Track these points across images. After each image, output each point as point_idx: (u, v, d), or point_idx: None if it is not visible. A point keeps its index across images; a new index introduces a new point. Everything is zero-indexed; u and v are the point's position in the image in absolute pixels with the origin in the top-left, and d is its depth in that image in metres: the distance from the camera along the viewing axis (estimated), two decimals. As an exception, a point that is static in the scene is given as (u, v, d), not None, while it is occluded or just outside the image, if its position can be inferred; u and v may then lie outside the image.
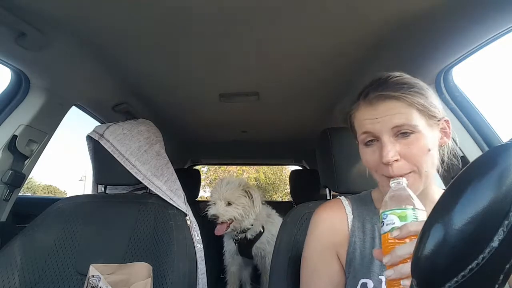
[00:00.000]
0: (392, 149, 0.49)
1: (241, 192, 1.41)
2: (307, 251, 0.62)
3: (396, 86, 0.51)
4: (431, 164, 0.51)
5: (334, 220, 0.61)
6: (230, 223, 1.39)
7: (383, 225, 0.42)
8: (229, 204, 1.39)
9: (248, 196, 1.42)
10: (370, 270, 0.54)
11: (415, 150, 0.49)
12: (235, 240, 1.50)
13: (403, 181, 0.44)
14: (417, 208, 0.41)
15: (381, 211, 0.43)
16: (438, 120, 0.52)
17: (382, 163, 0.50)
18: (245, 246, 1.50)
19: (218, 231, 1.37)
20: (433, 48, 0.77)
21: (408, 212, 0.40)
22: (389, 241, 0.40)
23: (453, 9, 0.64)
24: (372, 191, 0.66)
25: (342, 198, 0.66)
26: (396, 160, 0.49)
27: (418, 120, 0.49)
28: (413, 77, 0.55)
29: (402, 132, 0.49)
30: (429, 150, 0.50)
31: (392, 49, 0.83)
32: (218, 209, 1.36)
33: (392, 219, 0.41)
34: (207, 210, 1.41)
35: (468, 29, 0.67)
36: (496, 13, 0.61)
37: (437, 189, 0.57)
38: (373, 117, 0.51)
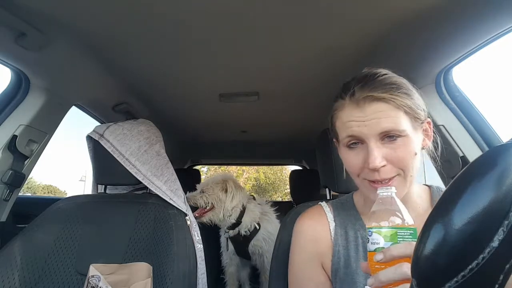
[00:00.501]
0: (379, 155, 0.47)
1: (216, 184, 1.52)
2: (292, 262, 0.60)
3: (384, 86, 0.49)
4: (416, 168, 0.49)
5: (316, 229, 0.60)
6: (208, 210, 1.49)
7: (368, 241, 0.40)
8: (202, 192, 1.52)
9: (224, 189, 1.51)
10: (355, 280, 0.53)
11: (401, 154, 0.47)
12: (228, 237, 1.53)
13: (392, 190, 0.42)
14: (405, 225, 0.38)
15: (367, 225, 0.41)
16: (422, 122, 0.51)
17: (368, 169, 0.48)
18: (241, 243, 1.51)
19: (196, 213, 1.48)
20: (433, 48, 0.77)
21: (394, 231, 0.38)
22: (374, 261, 0.38)
23: (453, 9, 0.64)
24: (353, 194, 0.64)
25: (323, 204, 0.64)
26: (383, 166, 0.47)
27: (405, 124, 0.48)
28: (400, 76, 0.52)
29: (389, 136, 0.48)
30: (415, 154, 0.48)
31: (392, 49, 0.83)
32: (191, 194, 1.53)
33: (377, 239, 0.38)
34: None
35: (468, 29, 0.67)
36: (496, 13, 0.61)
37: (417, 188, 0.56)
38: (360, 120, 0.48)
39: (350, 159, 0.52)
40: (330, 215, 0.61)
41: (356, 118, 0.49)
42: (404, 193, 0.50)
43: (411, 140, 0.48)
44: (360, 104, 0.49)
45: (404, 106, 0.48)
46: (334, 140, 0.60)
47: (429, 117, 0.53)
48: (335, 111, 0.55)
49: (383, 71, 0.52)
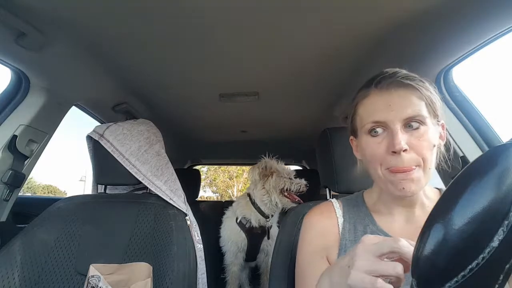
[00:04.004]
0: (403, 138, 0.48)
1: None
2: (299, 256, 0.62)
3: (408, 76, 0.51)
4: (433, 162, 0.50)
5: (324, 224, 0.61)
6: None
7: None
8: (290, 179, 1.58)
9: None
10: None
11: (423, 142, 0.48)
12: (250, 226, 1.54)
13: None
14: None
15: None
16: (438, 121, 0.52)
17: (392, 152, 0.48)
18: (258, 237, 1.54)
19: (296, 198, 1.53)
20: (433, 48, 0.77)
21: None
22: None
23: (453, 9, 0.64)
24: (364, 192, 0.65)
25: (333, 200, 0.66)
26: (406, 150, 0.48)
27: (427, 114, 0.49)
28: None
29: (412, 124, 0.49)
30: (434, 145, 0.49)
31: (392, 49, 0.83)
32: (278, 180, 1.57)
33: None
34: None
35: (468, 29, 0.67)
36: (496, 13, 0.61)
37: (428, 189, 0.56)
38: (387, 104, 0.50)
39: (373, 146, 0.52)
40: (339, 211, 0.62)
41: (382, 103, 0.51)
42: (423, 187, 0.51)
43: (432, 131, 0.50)
44: (387, 89, 0.51)
45: (427, 98, 0.50)
46: (350, 138, 0.61)
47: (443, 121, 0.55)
48: (358, 99, 0.56)
49: (403, 70, 0.54)
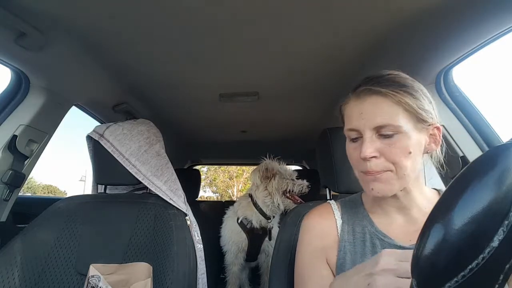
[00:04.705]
0: (371, 146, 0.49)
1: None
2: (298, 257, 0.62)
3: (387, 82, 0.51)
4: (411, 168, 0.49)
5: (323, 226, 0.61)
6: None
7: None
8: (292, 180, 1.59)
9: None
10: None
11: (394, 150, 0.49)
12: (251, 227, 1.53)
13: None
14: None
15: None
16: (429, 125, 0.51)
17: (361, 159, 0.50)
18: (259, 238, 1.54)
19: (298, 199, 1.54)
20: (433, 48, 0.77)
21: None
22: None
23: (453, 9, 0.64)
24: (362, 194, 0.65)
25: (332, 202, 0.66)
26: (375, 157, 0.49)
27: (402, 120, 0.48)
28: (411, 78, 0.53)
29: (384, 132, 0.49)
30: (410, 152, 0.49)
31: (392, 49, 0.83)
32: (279, 181, 1.59)
33: None
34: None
35: (468, 29, 0.67)
36: (496, 13, 0.61)
37: (425, 190, 0.56)
38: (359, 112, 0.51)
39: (351, 151, 0.55)
40: (337, 213, 0.63)
41: (356, 111, 0.52)
42: (394, 192, 0.51)
43: (408, 138, 0.49)
44: (360, 96, 0.52)
45: (404, 103, 0.49)
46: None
47: (442, 125, 0.54)
48: (342, 105, 0.58)
49: (395, 72, 0.54)
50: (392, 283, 0.34)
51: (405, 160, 0.49)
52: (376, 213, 0.59)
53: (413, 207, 0.55)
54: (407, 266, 0.34)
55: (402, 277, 0.34)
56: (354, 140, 0.54)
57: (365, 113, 0.50)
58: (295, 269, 0.62)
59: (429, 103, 0.52)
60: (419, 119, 0.50)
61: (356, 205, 0.63)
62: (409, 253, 0.36)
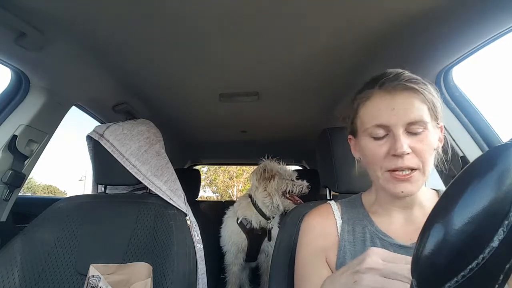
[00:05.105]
0: (406, 142, 0.48)
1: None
2: (298, 257, 0.62)
3: (414, 79, 0.51)
4: (431, 165, 0.51)
5: (323, 226, 0.61)
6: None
7: None
8: (292, 180, 1.58)
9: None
10: None
11: (425, 146, 0.49)
12: (250, 227, 1.53)
13: None
14: None
15: None
16: (438, 123, 0.53)
17: (393, 155, 0.49)
18: (258, 238, 1.53)
19: (297, 200, 1.54)
20: (433, 48, 0.77)
21: None
22: None
23: (453, 9, 0.64)
24: (362, 194, 0.66)
25: (332, 202, 0.66)
26: (408, 154, 0.48)
27: (428, 118, 0.49)
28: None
29: (414, 128, 0.49)
30: (434, 149, 0.50)
31: (392, 49, 0.83)
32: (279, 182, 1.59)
33: None
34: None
35: (468, 29, 0.67)
36: (496, 13, 0.61)
37: (425, 190, 0.57)
38: (390, 107, 0.50)
39: (374, 148, 0.52)
40: (337, 213, 0.63)
41: (386, 106, 0.50)
42: (420, 188, 0.51)
43: (432, 135, 0.50)
44: (391, 92, 0.50)
45: (429, 101, 0.50)
46: (349, 136, 0.61)
47: (442, 125, 0.55)
48: (361, 99, 0.55)
49: (407, 71, 0.54)
50: (377, 282, 0.34)
51: (430, 158, 0.50)
52: (377, 213, 0.59)
53: (415, 206, 0.55)
54: (393, 268, 0.34)
55: (388, 278, 0.34)
56: (376, 137, 0.52)
57: (397, 108, 0.49)
58: (295, 269, 0.62)
59: (441, 103, 0.53)
60: (436, 117, 0.51)
61: (356, 205, 0.63)
62: (397, 256, 0.36)
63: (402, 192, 0.50)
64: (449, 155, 0.58)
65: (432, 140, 0.50)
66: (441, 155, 0.56)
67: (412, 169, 0.49)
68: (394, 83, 0.50)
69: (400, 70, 0.53)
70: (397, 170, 0.49)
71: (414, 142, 0.49)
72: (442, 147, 0.56)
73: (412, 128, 0.49)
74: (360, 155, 0.58)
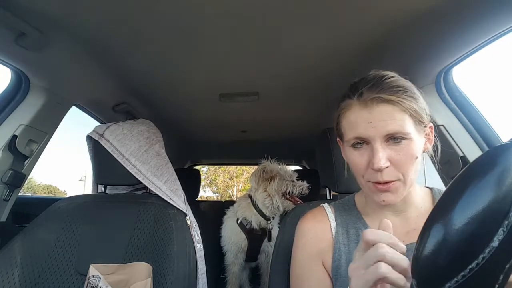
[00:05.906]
0: (383, 156, 0.48)
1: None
2: (294, 261, 0.62)
3: (392, 88, 0.50)
4: (415, 172, 0.50)
5: (317, 229, 0.61)
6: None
7: None
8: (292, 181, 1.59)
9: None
10: None
11: (404, 157, 0.48)
12: (250, 227, 1.53)
13: None
14: None
15: None
16: (425, 126, 0.52)
17: (372, 169, 0.49)
18: (258, 239, 1.53)
19: (297, 200, 1.54)
20: (433, 48, 0.77)
21: None
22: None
23: (453, 9, 0.64)
24: (355, 195, 0.66)
25: (325, 205, 0.66)
26: (387, 167, 0.48)
27: (410, 127, 0.48)
28: (406, 80, 0.53)
29: (394, 138, 0.48)
30: (417, 157, 0.49)
31: (392, 49, 0.83)
32: (280, 183, 1.59)
33: None
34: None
35: (468, 29, 0.67)
36: (496, 13, 0.61)
37: (418, 190, 0.57)
38: (367, 121, 0.49)
39: (355, 159, 0.53)
40: (331, 215, 0.63)
41: (363, 119, 0.50)
42: (401, 197, 0.51)
43: (415, 144, 0.49)
44: (368, 105, 0.50)
45: (410, 109, 0.49)
46: (337, 139, 0.61)
47: (432, 122, 0.54)
48: (342, 110, 0.55)
49: (391, 73, 0.53)
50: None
51: (411, 167, 0.49)
52: (369, 215, 0.59)
53: (408, 208, 0.55)
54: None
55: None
56: (356, 147, 0.52)
57: (375, 121, 0.49)
58: (291, 273, 0.62)
59: (424, 102, 0.52)
60: (419, 122, 0.50)
61: (350, 207, 0.63)
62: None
63: (384, 201, 0.50)
64: (449, 155, 0.57)
65: (414, 149, 0.49)
66: (439, 155, 0.56)
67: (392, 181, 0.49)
68: (372, 95, 0.49)
69: (381, 74, 0.52)
70: (378, 182, 0.50)
71: (394, 153, 0.48)
72: (435, 145, 0.55)
73: (391, 140, 0.49)
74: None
